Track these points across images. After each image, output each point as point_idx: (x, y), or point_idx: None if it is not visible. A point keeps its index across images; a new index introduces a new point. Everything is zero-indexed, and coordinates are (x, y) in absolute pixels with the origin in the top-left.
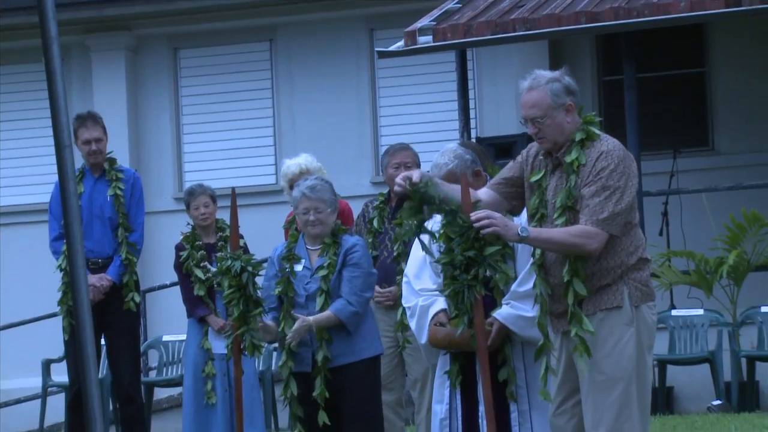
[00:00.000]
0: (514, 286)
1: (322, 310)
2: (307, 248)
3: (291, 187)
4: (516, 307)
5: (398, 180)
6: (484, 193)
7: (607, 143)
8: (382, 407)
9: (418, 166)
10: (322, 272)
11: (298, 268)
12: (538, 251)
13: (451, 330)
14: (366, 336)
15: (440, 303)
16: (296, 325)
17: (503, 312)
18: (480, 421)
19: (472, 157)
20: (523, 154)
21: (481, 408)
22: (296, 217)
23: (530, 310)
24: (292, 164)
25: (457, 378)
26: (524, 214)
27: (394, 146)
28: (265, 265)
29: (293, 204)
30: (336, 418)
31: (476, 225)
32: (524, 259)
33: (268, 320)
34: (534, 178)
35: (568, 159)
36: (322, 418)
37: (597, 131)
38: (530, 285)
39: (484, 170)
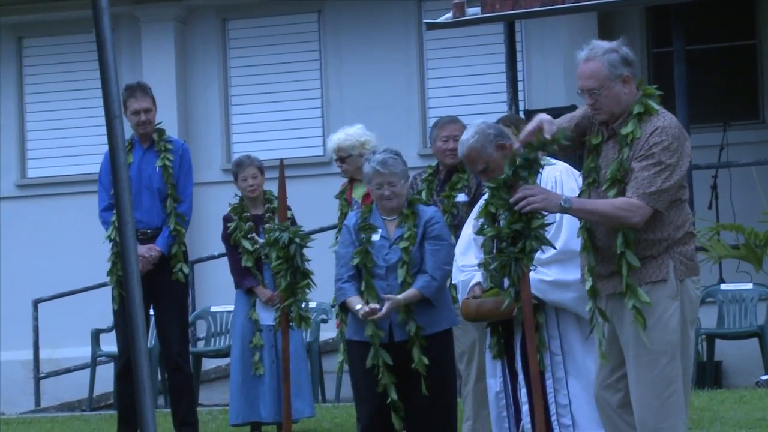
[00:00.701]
0: (537, 254)
1: (404, 281)
2: (383, 218)
3: (339, 160)
4: (538, 271)
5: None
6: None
7: (664, 119)
8: None
9: None
10: (403, 243)
11: (375, 238)
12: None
13: (482, 301)
14: (443, 307)
15: (477, 277)
16: (387, 306)
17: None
18: (519, 391)
19: (495, 131)
20: (588, 110)
21: (520, 378)
22: (370, 192)
23: (551, 274)
24: (332, 140)
25: (497, 351)
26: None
27: (444, 119)
28: (313, 237)
29: (366, 180)
30: (412, 387)
31: (516, 207)
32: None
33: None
34: (595, 142)
35: (623, 131)
36: (422, 388)
37: (656, 106)
38: (552, 251)
39: None
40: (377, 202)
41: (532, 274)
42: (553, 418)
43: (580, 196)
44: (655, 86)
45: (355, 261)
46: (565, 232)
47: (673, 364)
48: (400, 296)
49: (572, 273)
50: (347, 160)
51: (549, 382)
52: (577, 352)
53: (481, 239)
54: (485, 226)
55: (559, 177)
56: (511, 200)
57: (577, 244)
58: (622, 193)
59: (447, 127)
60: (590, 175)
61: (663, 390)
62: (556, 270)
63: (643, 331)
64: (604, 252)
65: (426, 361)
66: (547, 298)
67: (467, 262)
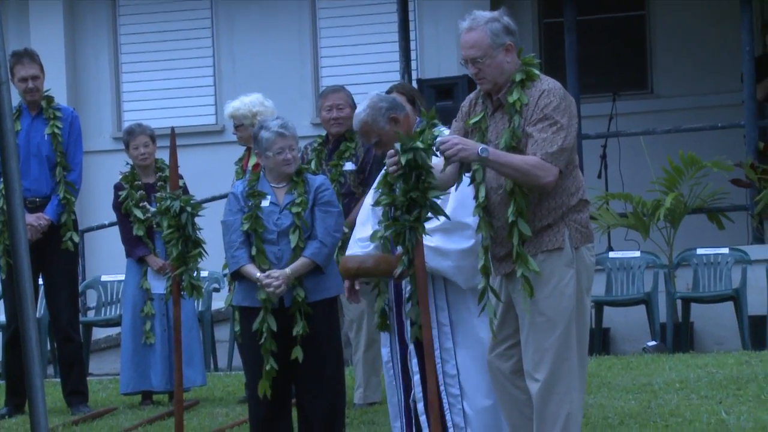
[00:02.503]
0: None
1: (296, 246)
2: (271, 186)
3: (235, 126)
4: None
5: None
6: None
7: (548, 82)
8: None
9: (353, 107)
10: (295, 208)
11: (265, 204)
12: (482, 193)
13: (364, 257)
14: (331, 274)
15: (371, 250)
16: (281, 282)
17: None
18: (410, 361)
19: (388, 104)
20: (462, 110)
21: (411, 347)
22: (265, 158)
23: (433, 241)
24: (237, 106)
25: (380, 323)
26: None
27: (328, 88)
28: (204, 206)
29: (263, 146)
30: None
31: (447, 153)
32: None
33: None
34: (473, 121)
35: (510, 99)
36: (297, 353)
37: (536, 72)
38: (443, 219)
39: (419, 113)
40: (276, 168)
41: None
42: (442, 388)
43: (473, 176)
44: (533, 54)
45: (245, 226)
46: (452, 201)
47: (569, 331)
48: (287, 270)
49: (455, 242)
50: (239, 128)
51: (437, 353)
52: (467, 322)
53: (379, 210)
54: (381, 196)
55: None
56: (438, 144)
57: (464, 215)
58: None
59: (330, 97)
60: None
61: (558, 356)
62: (439, 237)
63: (529, 298)
64: (501, 232)
65: (306, 328)
66: (426, 263)
67: (365, 234)
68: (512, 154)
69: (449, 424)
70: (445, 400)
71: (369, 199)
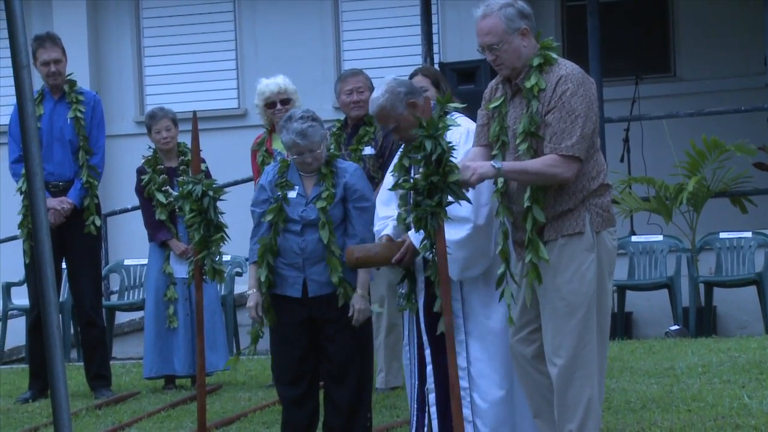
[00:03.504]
0: None
1: (327, 241)
2: (300, 175)
3: (266, 106)
4: None
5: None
6: (474, 153)
7: (566, 67)
8: None
9: (370, 90)
10: (320, 203)
11: (292, 195)
12: (501, 179)
13: (370, 246)
14: None
15: (388, 229)
16: (362, 307)
17: (413, 232)
18: (424, 351)
19: (406, 89)
20: (485, 97)
21: (425, 338)
22: (291, 159)
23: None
24: (271, 83)
25: (406, 303)
26: None
27: (347, 72)
28: (227, 190)
29: (285, 146)
30: (329, 340)
31: (464, 181)
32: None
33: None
34: (493, 105)
35: (527, 84)
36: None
37: (554, 56)
38: (455, 210)
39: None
40: (297, 164)
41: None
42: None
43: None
44: (551, 38)
45: (268, 218)
46: None
47: (589, 315)
48: (359, 291)
49: (450, 233)
50: (290, 103)
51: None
52: (479, 313)
53: (401, 191)
54: (400, 180)
55: (457, 139)
56: (463, 177)
57: (460, 209)
58: (535, 147)
59: (349, 81)
60: (499, 139)
61: (579, 340)
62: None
63: (539, 285)
64: (521, 218)
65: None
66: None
67: (388, 213)
68: (527, 162)
69: None
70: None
71: (388, 177)
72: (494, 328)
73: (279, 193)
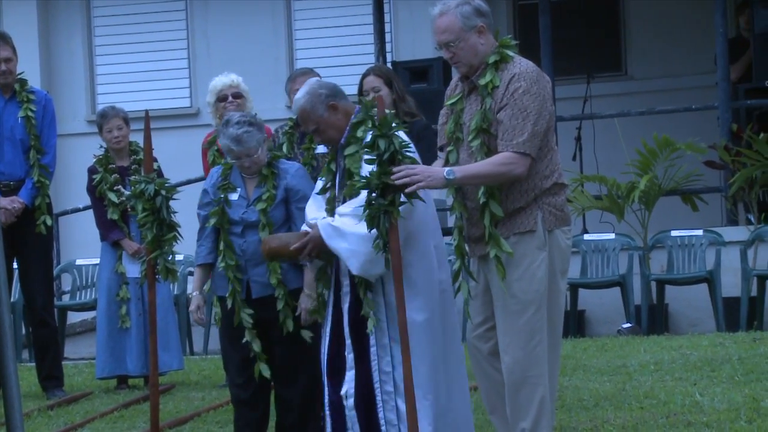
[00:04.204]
0: (340, 207)
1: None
2: (242, 176)
3: (218, 99)
4: (335, 219)
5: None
6: (440, 162)
7: (520, 65)
8: None
9: None
10: (260, 205)
11: (234, 197)
12: (452, 165)
13: (286, 236)
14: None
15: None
16: (309, 307)
17: (321, 220)
18: (347, 356)
19: (327, 91)
20: (446, 94)
21: (348, 343)
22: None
23: (338, 221)
24: (223, 78)
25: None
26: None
27: (296, 72)
28: (179, 189)
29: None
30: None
31: (398, 182)
32: None
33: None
34: (450, 102)
35: (482, 81)
36: (306, 334)
37: (511, 54)
38: (356, 204)
39: (396, 95)
40: (237, 167)
41: (327, 219)
42: (376, 384)
43: (447, 158)
44: (510, 36)
45: (212, 221)
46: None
47: (539, 314)
48: (307, 290)
49: (359, 227)
50: (241, 99)
51: (373, 349)
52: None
53: (323, 197)
54: (327, 185)
55: None
56: (393, 177)
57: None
58: (487, 143)
59: (299, 80)
60: (453, 135)
61: (529, 339)
62: (347, 220)
63: (503, 280)
64: (475, 213)
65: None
66: (327, 241)
67: (317, 216)
68: (478, 164)
69: (381, 421)
70: (378, 397)
71: (318, 185)
72: (421, 336)
73: (221, 195)
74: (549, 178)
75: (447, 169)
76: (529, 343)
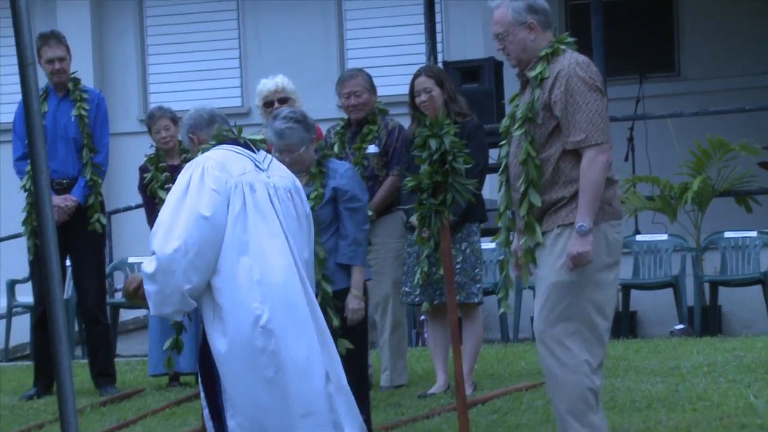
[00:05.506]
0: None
1: (315, 241)
2: None
3: (265, 105)
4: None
5: None
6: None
7: (571, 57)
8: None
9: (370, 90)
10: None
11: None
12: (503, 158)
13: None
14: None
15: None
16: (358, 307)
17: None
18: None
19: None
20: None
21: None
22: None
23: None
24: (269, 82)
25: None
26: None
27: (345, 74)
28: None
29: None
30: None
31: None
32: None
33: None
34: (511, 99)
35: (531, 73)
36: (344, 345)
37: (562, 47)
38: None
39: (447, 96)
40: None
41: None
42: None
43: (499, 152)
44: (567, 33)
45: None
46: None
47: (579, 304)
48: (354, 291)
49: (146, 265)
50: (288, 102)
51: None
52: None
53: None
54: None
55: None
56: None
57: (153, 239)
58: (531, 133)
59: (347, 84)
60: (508, 131)
61: (567, 328)
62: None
63: (529, 269)
64: (518, 204)
65: (338, 321)
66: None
67: None
68: (582, 194)
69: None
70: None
71: None
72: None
73: None
74: None
75: (577, 225)
76: (566, 331)
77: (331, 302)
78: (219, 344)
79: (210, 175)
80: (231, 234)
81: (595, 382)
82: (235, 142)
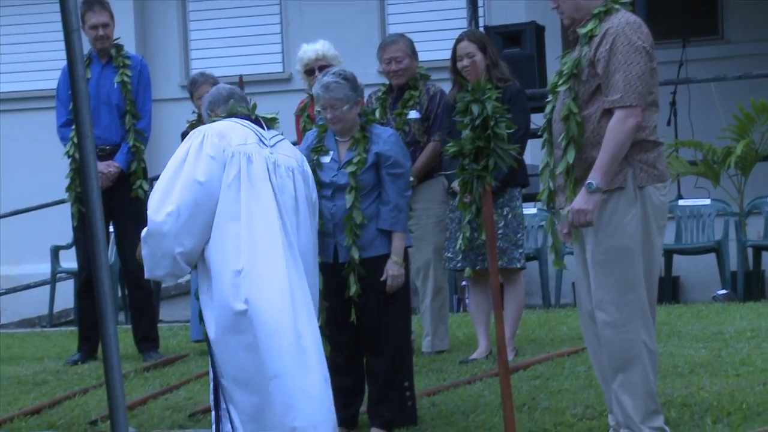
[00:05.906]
0: None
1: (352, 206)
2: (336, 140)
3: (306, 73)
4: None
5: None
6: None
7: (622, 16)
8: None
9: (411, 56)
10: (350, 168)
11: (326, 159)
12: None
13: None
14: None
15: None
16: (397, 273)
17: None
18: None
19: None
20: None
21: None
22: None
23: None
24: (309, 50)
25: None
26: None
27: (386, 40)
28: None
29: (315, 100)
30: (366, 307)
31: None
32: None
33: None
34: (561, 57)
35: (582, 30)
36: (353, 316)
37: (617, 6)
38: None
39: (489, 61)
40: (328, 126)
41: None
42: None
43: (545, 108)
44: None
45: None
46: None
47: (633, 269)
48: (394, 257)
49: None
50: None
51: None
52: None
53: None
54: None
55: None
56: (574, 226)
57: (150, 202)
58: (576, 89)
59: (388, 49)
60: (555, 87)
61: (623, 296)
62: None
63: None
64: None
65: (359, 289)
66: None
67: None
68: (602, 149)
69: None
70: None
71: None
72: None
73: (314, 157)
74: (638, 133)
75: (587, 183)
76: (623, 298)
77: (357, 269)
78: (208, 315)
79: (209, 142)
80: (223, 201)
81: (649, 347)
82: (246, 117)
